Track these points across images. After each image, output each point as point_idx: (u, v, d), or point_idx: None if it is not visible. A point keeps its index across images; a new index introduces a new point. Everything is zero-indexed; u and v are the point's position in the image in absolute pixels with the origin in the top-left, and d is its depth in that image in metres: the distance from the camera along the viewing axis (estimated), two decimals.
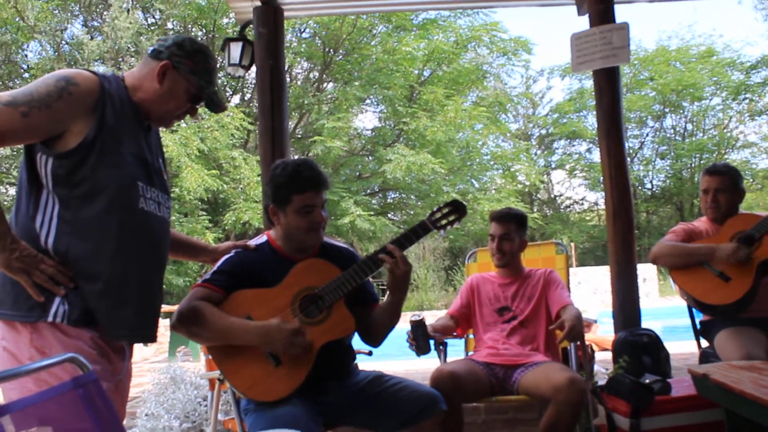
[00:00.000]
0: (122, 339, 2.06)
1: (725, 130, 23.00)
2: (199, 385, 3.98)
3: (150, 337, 2.14)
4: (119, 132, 1.99)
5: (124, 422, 2.36)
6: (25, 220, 1.94)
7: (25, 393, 1.70)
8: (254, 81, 17.90)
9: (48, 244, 1.91)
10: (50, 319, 1.88)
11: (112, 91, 2.02)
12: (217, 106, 2.24)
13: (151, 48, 2.15)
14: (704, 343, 3.54)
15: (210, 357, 2.82)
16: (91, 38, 16.40)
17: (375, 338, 2.71)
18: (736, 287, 3.17)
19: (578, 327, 2.96)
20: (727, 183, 3.39)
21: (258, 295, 2.51)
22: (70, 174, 1.91)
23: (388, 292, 2.63)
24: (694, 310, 3.55)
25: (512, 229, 3.38)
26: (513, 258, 3.42)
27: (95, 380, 1.65)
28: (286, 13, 4.72)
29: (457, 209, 2.64)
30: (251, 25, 4.82)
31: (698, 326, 3.56)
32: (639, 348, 3.89)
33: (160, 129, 2.32)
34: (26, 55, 17.64)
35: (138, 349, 8.69)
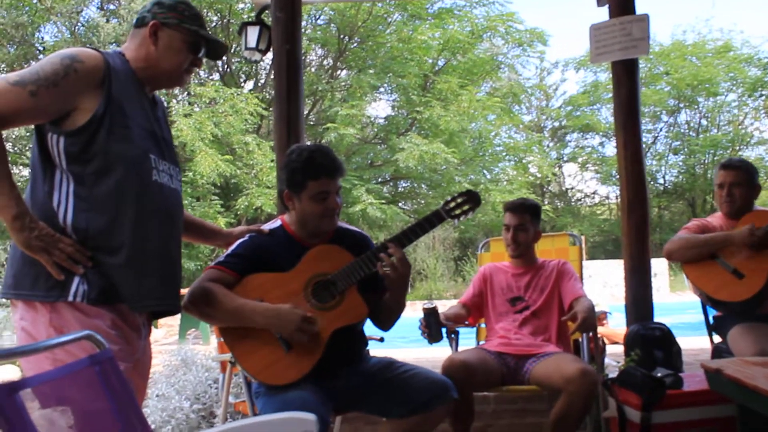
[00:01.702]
0: (149, 309, 2.09)
1: (740, 127, 22.77)
2: (210, 368, 4.01)
3: (174, 308, 2.17)
4: (127, 106, 2.01)
5: None
6: (41, 200, 1.95)
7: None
8: (268, 66, 17.91)
9: (67, 221, 1.93)
10: (70, 298, 1.89)
11: (117, 67, 2.03)
12: (218, 47, 2.26)
13: (134, 20, 2.17)
14: (717, 339, 3.53)
15: (222, 340, 2.83)
16: (107, 21, 16.40)
17: (384, 323, 2.74)
18: (750, 284, 3.15)
19: (591, 318, 2.96)
20: (742, 177, 3.36)
21: (271, 279, 2.52)
22: (82, 151, 1.93)
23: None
24: (707, 306, 3.53)
25: (527, 220, 3.37)
26: (527, 248, 3.41)
27: (111, 358, 1.66)
28: None
29: (472, 199, 2.64)
30: (268, 10, 4.81)
31: (711, 321, 3.54)
32: (651, 342, 3.87)
33: (175, 112, 2.33)
34: (42, 37, 17.67)
35: None
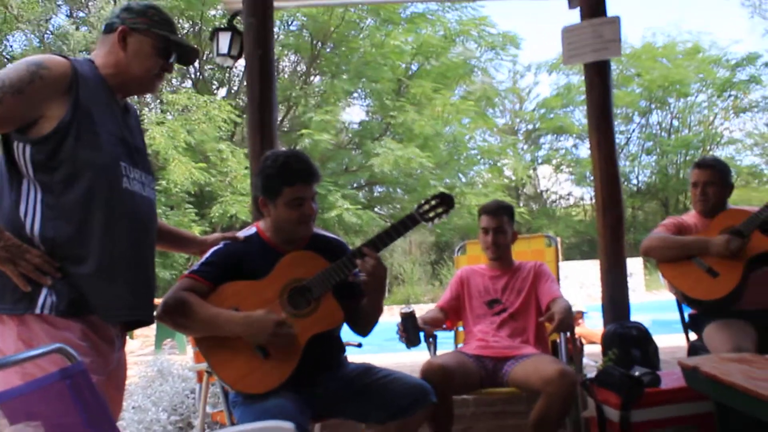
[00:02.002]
0: (120, 320, 2.04)
1: (710, 127, 23.09)
2: (187, 378, 3.96)
3: (147, 318, 2.13)
4: (95, 113, 1.96)
5: None
6: (8, 210, 1.91)
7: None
8: (241, 73, 17.82)
9: (34, 231, 1.88)
10: (38, 311, 1.85)
11: (86, 74, 1.99)
12: (188, 52, 2.22)
13: (103, 26, 2.13)
14: (692, 336, 3.55)
15: (197, 349, 2.79)
16: (77, 29, 16.23)
17: (363, 329, 2.72)
18: (724, 283, 3.17)
19: (568, 319, 2.97)
20: (716, 176, 3.40)
21: (246, 287, 2.49)
22: (49, 159, 1.88)
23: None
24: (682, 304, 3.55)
25: (505, 221, 3.38)
26: (506, 250, 3.42)
27: (83, 371, 1.62)
28: (275, 3, 4.67)
29: (445, 202, 2.63)
30: (240, 16, 4.78)
31: (687, 319, 3.56)
32: (628, 341, 3.89)
33: (148, 120, 2.29)
34: (10, 46, 17.43)
35: None
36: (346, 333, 2.74)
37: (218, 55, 5.20)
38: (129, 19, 2.07)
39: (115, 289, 1.95)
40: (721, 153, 22.46)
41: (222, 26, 5.33)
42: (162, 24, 2.11)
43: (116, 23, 2.07)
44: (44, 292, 1.86)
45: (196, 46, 2.27)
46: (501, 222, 3.37)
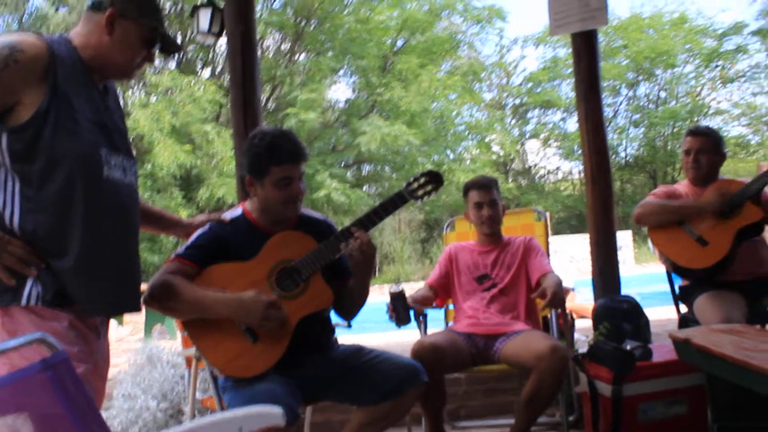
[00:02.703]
0: (103, 314, 1.99)
1: (698, 98, 23.12)
2: (176, 364, 3.92)
3: (134, 307, 2.07)
4: (73, 98, 1.88)
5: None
6: None
7: None
8: (225, 53, 17.65)
9: (14, 223, 1.82)
10: (23, 302, 1.79)
11: (63, 54, 1.89)
12: (172, 46, 2.15)
13: (90, 1, 2.02)
14: (683, 309, 3.55)
15: (185, 333, 2.76)
16: (56, 10, 16.01)
17: (348, 312, 2.71)
18: (713, 252, 3.16)
19: (560, 294, 2.94)
20: (709, 144, 3.37)
21: (233, 269, 2.45)
22: (27, 148, 1.80)
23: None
24: (673, 275, 3.54)
25: (495, 195, 3.36)
26: (500, 224, 3.40)
27: (65, 360, 1.57)
28: None
29: (434, 179, 2.59)
30: None
31: (677, 291, 3.56)
32: (619, 315, 3.89)
33: (119, 93, 2.22)
34: None
35: (113, 329, 8.58)
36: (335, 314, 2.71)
37: (199, 33, 5.10)
38: (119, 2, 1.96)
39: (98, 284, 1.89)
40: (708, 124, 22.43)
41: (202, 3, 5.22)
42: (152, 13, 2.02)
43: (105, 3, 1.96)
44: (29, 282, 1.80)
45: (179, 43, 2.20)
46: (493, 195, 3.35)
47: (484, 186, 3.36)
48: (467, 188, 3.43)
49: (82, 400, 1.58)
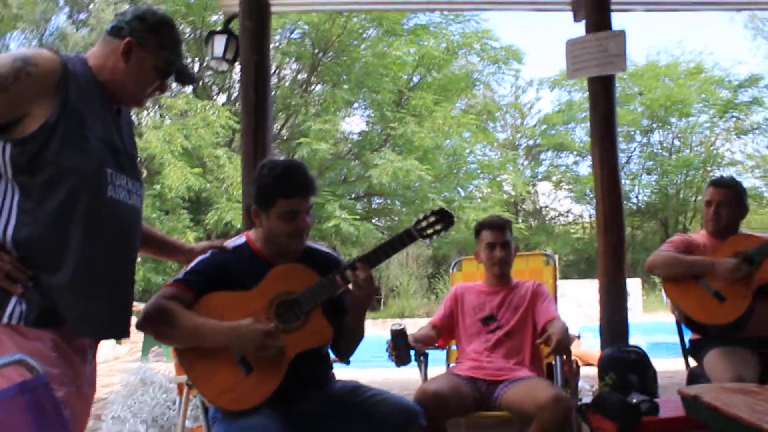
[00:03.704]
0: (91, 335, 1.93)
1: (712, 148, 23.16)
2: (169, 389, 3.85)
3: (124, 332, 2.01)
4: (84, 114, 1.85)
5: (89, 425, 2.23)
6: None
7: None
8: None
9: (7, 235, 1.77)
10: (5, 320, 1.73)
11: (77, 72, 1.88)
12: (188, 78, 2.11)
13: (110, 25, 2.00)
14: (692, 363, 3.45)
15: (178, 360, 2.69)
16: (76, 30, 16.23)
17: (344, 352, 2.65)
18: (731, 309, 3.07)
19: (565, 341, 2.86)
20: (731, 197, 3.30)
21: (232, 298, 2.39)
22: (31, 161, 1.77)
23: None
24: (683, 327, 3.45)
25: (509, 236, 3.30)
26: (510, 266, 3.33)
27: (45, 384, 1.52)
28: (273, 8, 4.61)
29: (444, 218, 2.53)
30: (236, 19, 4.70)
31: (687, 344, 3.46)
32: (626, 365, 3.79)
33: (134, 114, 2.20)
34: (8, 45, 17.40)
35: (110, 348, 8.52)
36: None
37: (213, 58, 5.10)
38: (138, 32, 1.95)
39: (89, 305, 1.84)
40: (722, 174, 22.47)
41: (218, 30, 5.24)
42: (171, 45, 2.01)
43: (125, 31, 1.95)
44: (13, 300, 1.75)
45: (196, 75, 2.17)
46: (507, 236, 3.29)
47: (499, 227, 3.30)
48: (480, 227, 3.37)
49: (59, 424, 1.53)
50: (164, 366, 5.38)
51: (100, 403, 4.22)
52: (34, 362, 1.54)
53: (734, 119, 22.38)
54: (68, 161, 1.80)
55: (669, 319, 3.47)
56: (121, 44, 1.94)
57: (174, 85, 2.23)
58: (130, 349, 9.26)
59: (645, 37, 32.46)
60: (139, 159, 2.18)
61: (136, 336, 8.44)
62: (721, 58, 29.49)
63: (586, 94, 4.65)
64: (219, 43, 5.07)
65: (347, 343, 2.59)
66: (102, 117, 1.94)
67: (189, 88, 18.11)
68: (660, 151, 23.97)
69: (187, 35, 17.80)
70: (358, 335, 2.58)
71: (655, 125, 23.21)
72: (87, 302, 1.83)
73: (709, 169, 22.18)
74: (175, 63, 2.02)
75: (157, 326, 2.29)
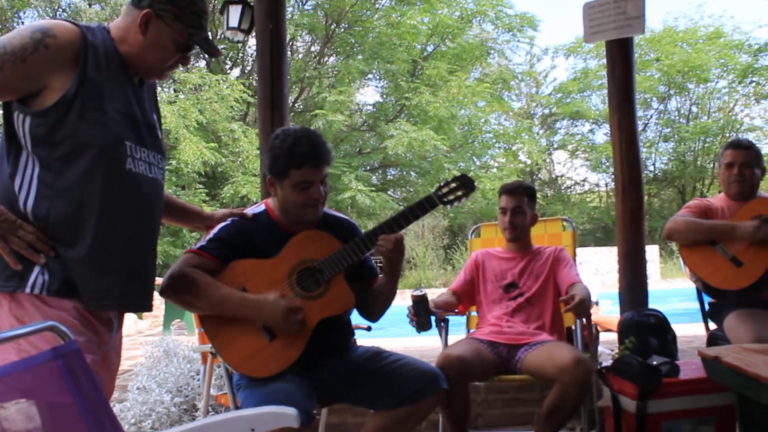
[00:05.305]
0: (106, 309, 1.92)
1: (730, 114, 22.83)
2: (192, 359, 3.89)
3: (144, 306, 2.02)
4: (104, 87, 1.84)
5: (115, 395, 2.27)
6: (3, 182, 1.81)
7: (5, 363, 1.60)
8: (254, 53, 17.73)
9: (27, 207, 1.79)
10: (28, 290, 1.75)
11: (97, 43, 1.86)
12: (210, 52, 2.08)
13: None
14: (712, 326, 3.45)
15: (202, 330, 2.73)
16: (90, 5, 16.19)
17: (373, 314, 2.65)
18: (748, 273, 3.06)
19: (586, 302, 2.85)
20: (753, 157, 3.27)
21: (254, 266, 2.41)
22: (49, 133, 1.77)
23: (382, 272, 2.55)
24: (702, 293, 3.44)
25: (524, 202, 3.28)
26: (524, 232, 3.33)
27: (77, 350, 1.54)
28: None
29: (465, 184, 2.54)
30: None
31: (707, 308, 3.46)
32: (646, 329, 3.78)
33: (156, 83, 2.18)
34: (22, 22, 17.40)
35: (133, 322, 8.61)
36: (356, 315, 2.66)
37: (228, 28, 5.10)
38: (158, 3, 1.91)
39: (104, 279, 1.84)
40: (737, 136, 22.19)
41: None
42: (191, 18, 1.96)
43: (145, 2, 1.92)
44: (36, 270, 1.77)
45: (219, 48, 2.14)
46: (520, 202, 3.27)
47: (512, 192, 3.30)
48: (499, 192, 3.38)
49: (92, 390, 1.55)
50: (186, 338, 5.45)
51: (125, 375, 4.29)
52: (64, 329, 1.57)
53: (754, 84, 21.98)
54: (86, 135, 1.80)
55: (687, 285, 3.46)
56: (139, 15, 1.91)
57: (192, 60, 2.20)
58: (152, 323, 9.35)
59: (665, 2, 31.87)
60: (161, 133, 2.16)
61: (158, 310, 8.53)
62: (741, 22, 28.98)
63: (602, 61, 4.59)
64: (234, 13, 5.07)
65: (380, 305, 2.60)
66: (122, 88, 1.92)
67: (202, 62, 18.12)
68: (677, 117, 23.68)
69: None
70: (389, 298, 2.58)
71: (672, 92, 22.89)
72: (101, 276, 1.83)
73: (727, 135, 21.85)
74: (194, 37, 1.98)
75: (181, 293, 2.31)
